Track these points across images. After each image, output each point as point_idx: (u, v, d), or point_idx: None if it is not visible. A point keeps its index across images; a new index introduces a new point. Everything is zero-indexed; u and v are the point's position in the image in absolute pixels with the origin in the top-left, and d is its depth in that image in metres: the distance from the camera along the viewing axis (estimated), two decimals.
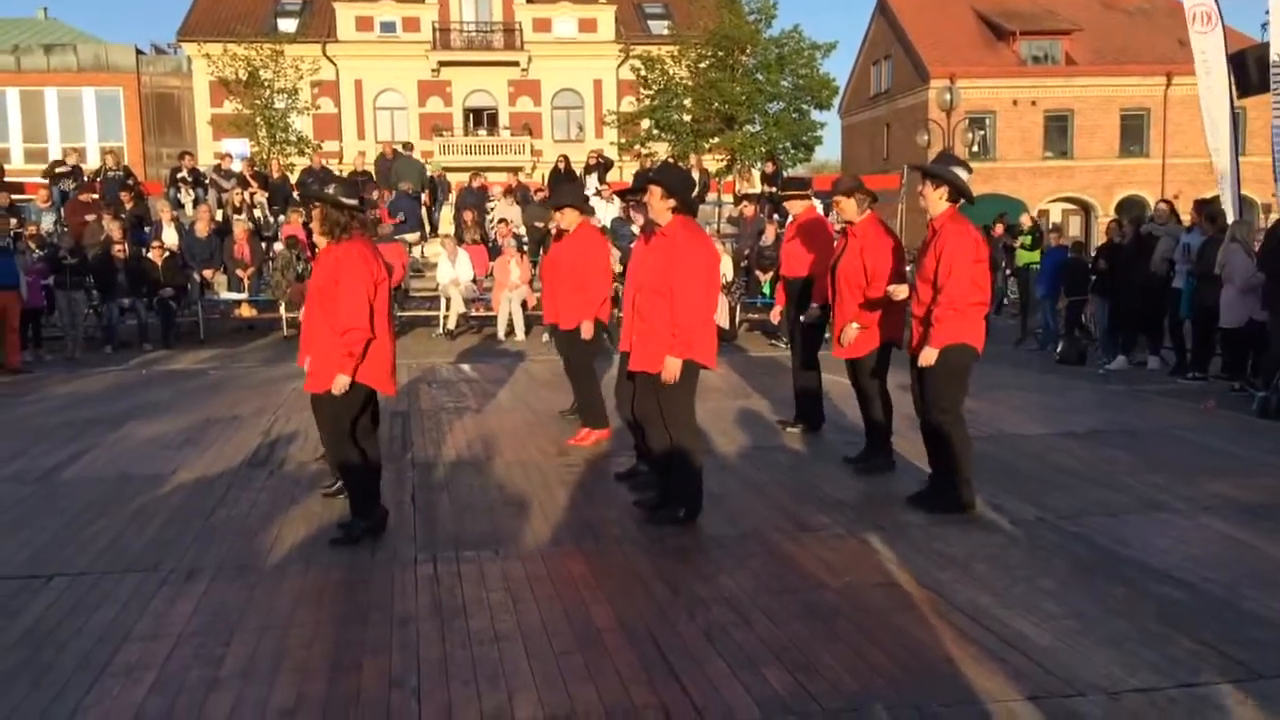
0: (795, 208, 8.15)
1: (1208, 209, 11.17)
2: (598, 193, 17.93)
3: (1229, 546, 5.14)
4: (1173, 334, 11.45)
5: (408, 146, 20.12)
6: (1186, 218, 12.31)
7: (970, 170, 5.70)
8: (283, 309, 14.63)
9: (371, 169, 19.58)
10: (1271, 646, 3.88)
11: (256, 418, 8.61)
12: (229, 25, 35.43)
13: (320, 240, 5.22)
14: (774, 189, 18.18)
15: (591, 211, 9.22)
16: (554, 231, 7.90)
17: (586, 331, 7.40)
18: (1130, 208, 33.29)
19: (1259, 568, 4.80)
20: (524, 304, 14.64)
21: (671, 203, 5.33)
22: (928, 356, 5.51)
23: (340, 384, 4.99)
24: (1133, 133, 38.56)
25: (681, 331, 5.21)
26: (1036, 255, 14.92)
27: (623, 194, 7.62)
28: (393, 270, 5.58)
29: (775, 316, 8.27)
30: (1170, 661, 3.76)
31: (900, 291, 5.95)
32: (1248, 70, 13.60)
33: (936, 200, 5.59)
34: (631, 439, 6.12)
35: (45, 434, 8.00)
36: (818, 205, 17.82)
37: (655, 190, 5.35)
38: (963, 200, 5.63)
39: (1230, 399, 9.45)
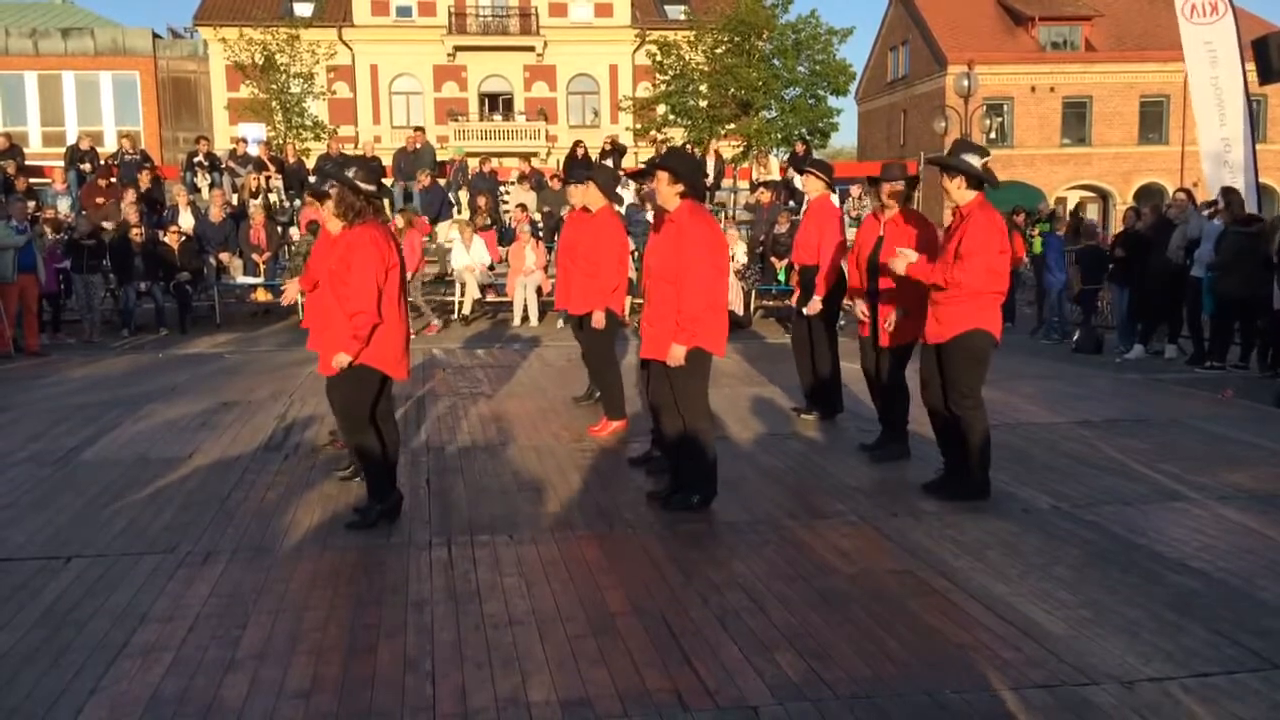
0: (812, 189, 7.91)
1: (1232, 198, 11.08)
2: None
3: (1245, 536, 5.11)
4: (1191, 323, 11.38)
5: (419, 130, 20.14)
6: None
7: (985, 154, 5.63)
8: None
9: (383, 156, 19.61)
10: None
11: (272, 402, 8.65)
12: (245, 9, 35.48)
13: (334, 224, 5.22)
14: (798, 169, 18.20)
15: (620, 200, 9.18)
16: (566, 215, 7.84)
17: (597, 321, 7.38)
18: (1149, 195, 33.06)
19: (1275, 557, 4.78)
20: (539, 290, 14.64)
21: (679, 187, 5.31)
22: (901, 260, 5.68)
23: (339, 361, 5.02)
24: (1152, 120, 38.25)
25: (687, 318, 5.20)
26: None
27: (633, 175, 7.60)
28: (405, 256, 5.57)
29: (814, 308, 7.68)
30: (1185, 651, 3.75)
31: (899, 263, 5.84)
32: (1269, 56, 13.47)
33: (957, 190, 5.56)
34: (646, 424, 6.12)
35: (63, 416, 8.06)
36: (833, 196, 17.90)
37: (662, 175, 5.33)
38: (986, 185, 5.59)
39: (1250, 389, 9.39)
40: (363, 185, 5.08)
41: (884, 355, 6.61)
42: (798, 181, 16.91)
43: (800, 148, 21.07)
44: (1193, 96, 14.69)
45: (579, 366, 8.33)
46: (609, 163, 19.68)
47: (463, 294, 15.22)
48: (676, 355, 5.23)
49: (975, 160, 5.54)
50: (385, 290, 5.04)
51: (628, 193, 17.08)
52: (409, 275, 7.94)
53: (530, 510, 5.58)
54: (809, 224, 7.89)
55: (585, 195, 7.57)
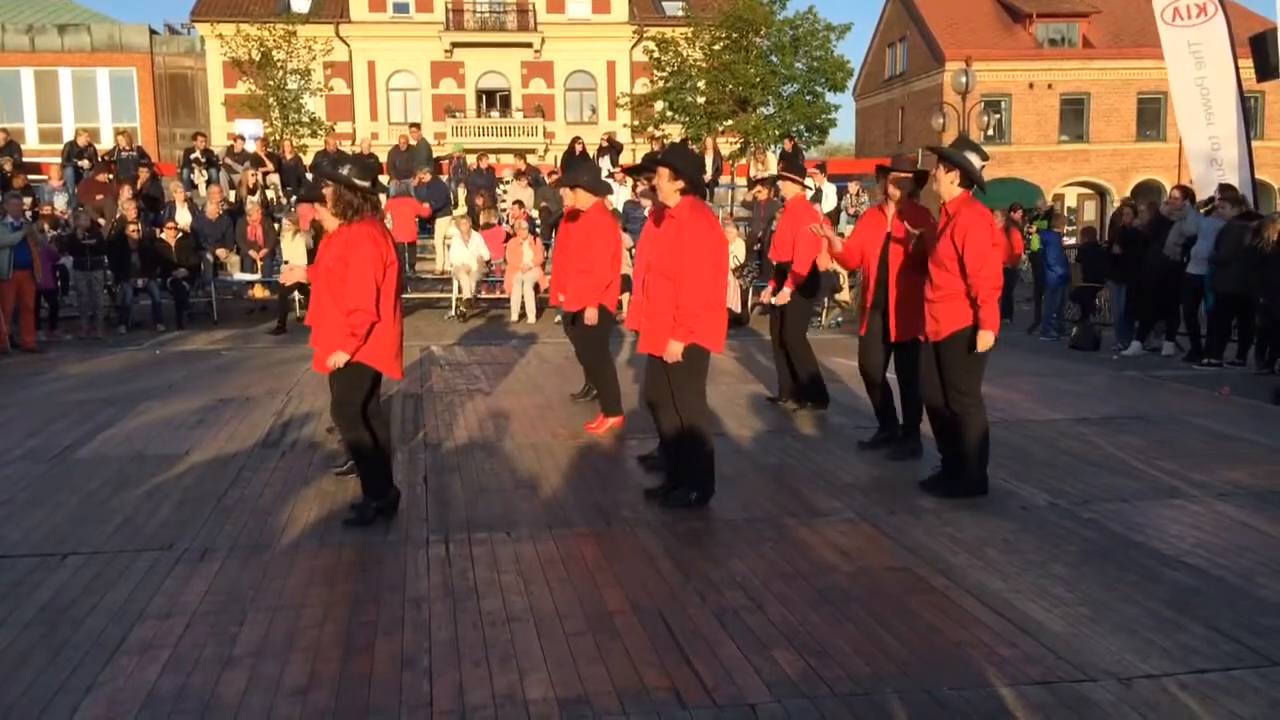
0: (789, 191, 8.29)
1: (1229, 195, 11.07)
2: (610, 175, 17.92)
3: (1243, 533, 5.11)
4: (1188, 320, 11.38)
5: (415, 127, 20.14)
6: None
7: (985, 156, 5.64)
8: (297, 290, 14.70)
9: (380, 153, 19.60)
10: None
11: (269, 398, 8.64)
12: (242, 6, 35.45)
13: (330, 221, 5.22)
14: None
15: (609, 190, 9.23)
16: (566, 211, 7.92)
17: (590, 318, 7.42)
18: (1147, 192, 33.07)
19: (1274, 554, 4.78)
20: (536, 286, 14.63)
21: (680, 184, 5.31)
22: (985, 340, 5.43)
23: (336, 360, 5.01)
24: (1149, 116, 38.25)
25: (685, 315, 5.19)
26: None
27: (630, 171, 7.68)
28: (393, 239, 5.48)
29: (783, 298, 8.02)
30: (1182, 648, 3.75)
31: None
32: (1268, 53, 13.46)
33: (949, 184, 5.56)
34: (645, 421, 6.11)
35: (60, 413, 8.05)
36: (832, 190, 17.95)
37: (664, 171, 5.32)
38: (975, 187, 5.59)
39: (1247, 385, 9.39)
40: (358, 182, 5.07)
41: (895, 353, 6.58)
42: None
43: (789, 145, 21.08)
44: (1174, 98, 14.67)
45: (576, 363, 8.33)
46: (606, 159, 19.67)
47: (459, 290, 15.21)
48: (674, 351, 5.23)
49: (976, 160, 5.54)
50: (383, 288, 5.03)
51: (624, 189, 17.07)
52: None
53: (528, 507, 5.57)
54: (786, 223, 8.09)
55: (575, 198, 7.65)
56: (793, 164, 8.82)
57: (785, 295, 7.83)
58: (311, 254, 13.66)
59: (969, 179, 5.53)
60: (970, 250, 5.39)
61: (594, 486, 5.98)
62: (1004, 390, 8.64)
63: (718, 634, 3.88)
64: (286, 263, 13.81)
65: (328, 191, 5.12)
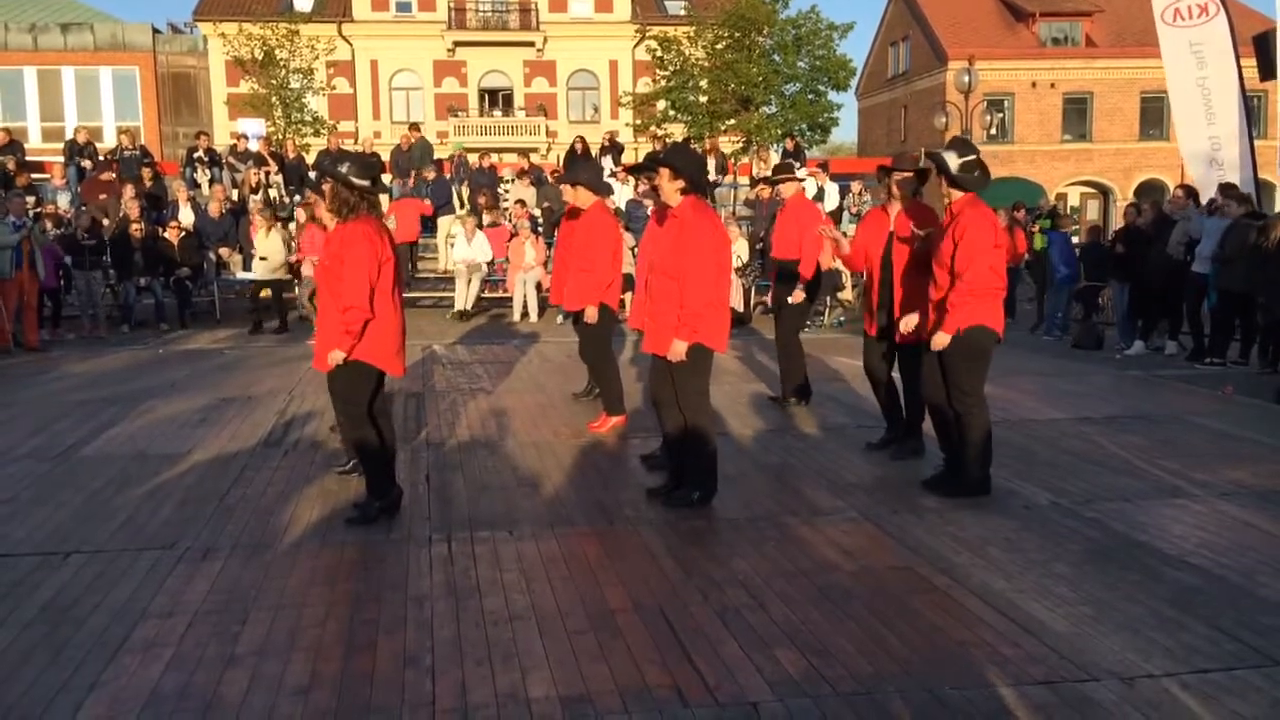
0: (788, 190, 8.39)
1: (1233, 194, 11.06)
2: (611, 174, 17.93)
3: (1246, 532, 5.11)
4: (1191, 319, 11.37)
5: (414, 127, 20.13)
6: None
7: (967, 152, 5.55)
8: (298, 290, 14.74)
9: (383, 152, 19.61)
10: None
11: (272, 397, 8.65)
12: (245, 4, 35.48)
13: (328, 219, 5.22)
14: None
15: (609, 191, 9.26)
16: (566, 210, 7.93)
17: (590, 316, 7.43)
18: (1150, 191, 33.03)
19: (1276, 554, 4.77)
20: (538, 285, 14.63)
21: (680, 183, 5.30)
22: (940, 341, 5.49)
23: (333, 359, 5.03)
24: (1153, 116, 38.16)
25: (689, 314, 5.19)
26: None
27: (631, 170, 7.74)
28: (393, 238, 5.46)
29: (798, 297, 8.06)
30: (1185, 648, 3.74)
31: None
32: (1271, 52, 13.44)
33: (940, 183, 5.56)
34: (646, 420, 6.11)
35: (63, 412, 8.05)
36: (834, 190, 17.93)
37: (664, 171, 5.32)
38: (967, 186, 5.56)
39: (1250, 384, 9.38)
40: (356, 180, 5.08)
41: (898, 351, 6.57)
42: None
43: (791, 144, 21.12)
44: (1172, 99, 14.64)
45: (578, 362, 8.34)
46: (608, 159, 19.66)
47: (466, 288, 15.19)
48: (678, 351, 5.24)
49: (953, 159, 5.48)
50: (378, 285, 5.04)
51: (626, 188, 17.07)
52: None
53: (530, 506, 5.58)
54: (787, 220, 8.13)
55: (575, 196, 7.66)
56: (779, 166, 9.09)
57: (800, 295, 7.92)
58: (290, 249, 13.80)
59: (951, 180, 5.52)
60: (962, 249, 5.38)
61: (596, 485, 5.98)
62: (1006, 390, 8.64)
63: (720, 632, 3.89)
64: (264, 259, 13.86)
65: (325, 188, 5.15)
